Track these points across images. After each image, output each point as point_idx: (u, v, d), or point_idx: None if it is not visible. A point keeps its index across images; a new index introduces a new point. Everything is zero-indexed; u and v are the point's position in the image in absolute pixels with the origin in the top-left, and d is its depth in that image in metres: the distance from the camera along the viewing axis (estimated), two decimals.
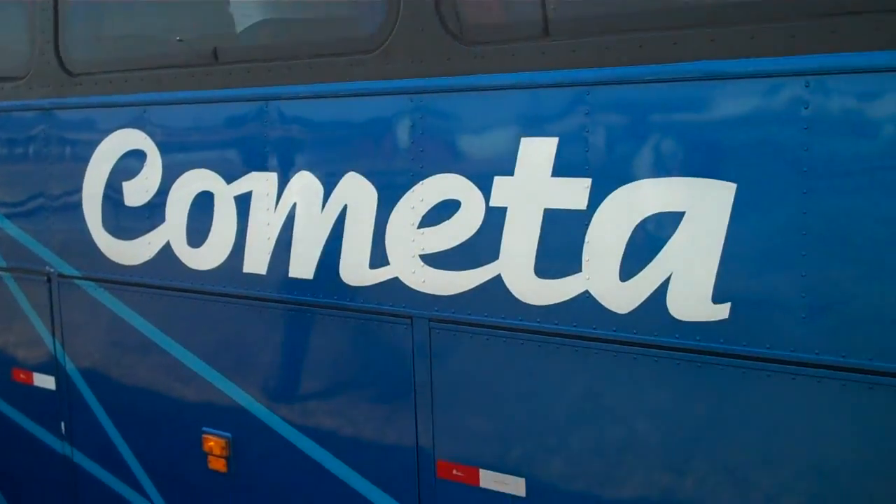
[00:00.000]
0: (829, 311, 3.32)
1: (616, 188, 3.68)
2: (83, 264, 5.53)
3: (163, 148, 5.06)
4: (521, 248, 3.91)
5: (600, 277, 3.74)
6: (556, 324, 3.87)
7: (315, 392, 4.72)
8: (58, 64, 5.46)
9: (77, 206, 5.46)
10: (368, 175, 4.33)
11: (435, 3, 4.02)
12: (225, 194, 4.80)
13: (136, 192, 5.19)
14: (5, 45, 6.05)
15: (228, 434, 5.04)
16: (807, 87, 3.25)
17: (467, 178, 4.04)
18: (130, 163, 5.20)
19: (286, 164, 4.58)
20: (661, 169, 3.57)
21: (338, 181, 4.42)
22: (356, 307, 4.45)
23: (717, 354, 3.52)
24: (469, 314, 4.11)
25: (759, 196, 3.38)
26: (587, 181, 3.72)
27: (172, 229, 5.05)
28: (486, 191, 3.98)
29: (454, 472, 4.25)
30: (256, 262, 4.74)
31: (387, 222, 4.27)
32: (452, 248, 4.11)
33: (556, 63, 3.77)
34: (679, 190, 3.52)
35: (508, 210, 3.93)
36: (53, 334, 5.79)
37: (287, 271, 4.63)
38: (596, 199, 3.72)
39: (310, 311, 4.60)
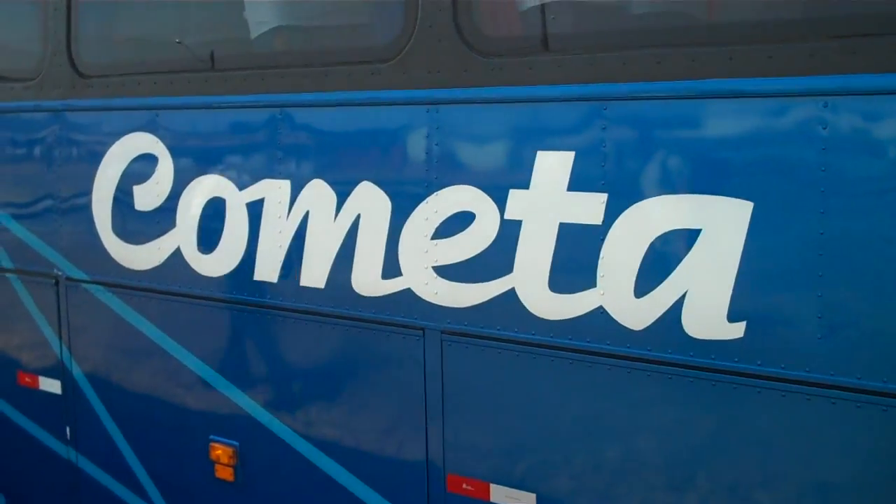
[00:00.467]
0: (845, 333, 3.38)
1: (632, 204, 3.74)
2: (92, 268, 5.61)
3: (174, 152, 5.14)
4: (535, 261, 3.97)
5: (615, 293, 3.80)
6: (570, 339, 3.94)
7: (324, 402, 4.78)
8: (70, 65, 5.53)
9: (86, 209, 5.53)
10: (382, 185, 4.40)
11: (453, 14, 4.09)
12: (237, 201, 4.88)
13: (147, 196, 5.26)
14: (17, 46, 6.13)
15: (236, 443, 5.11)
16: (825, 107, 3.31)
17: (482, 190, 4.11)
18: (141, 167, 5.27)
19: (299, 172, 4.66)
20: (678, 186, 3.64)
21: (351, 190, 4.49)
22: (368, 317, 4.52)
23: (732, 373, 3.59)
24: (482, 327, 4.17)
25: (776, 215, 3.44)
26: (603, 196, 3.79)
27: (183, 235, 5.13)
28: (501, 203, 4.05)
29: (464, 486, 4.31)
30: (267, 269, 4.81)
31: (400, 233, 4.34)
32: (466, 261, 4.17)
33: (574, 77, 3.84)
34: (695, 207, 3.59)
35: (523, 223, 3.99)
36: (60, 338, 5.87)
37: (298, 280, 4.71)
38: (612, 214, 3.78)
39: (320, 321, 4.67)
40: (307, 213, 4.63)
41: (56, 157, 5.71)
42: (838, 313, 3.38)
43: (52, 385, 5.99)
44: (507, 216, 4.04)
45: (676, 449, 3.78)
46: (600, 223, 3.81)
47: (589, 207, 3.83)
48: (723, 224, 3.53)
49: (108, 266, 5.50)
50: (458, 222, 4.18)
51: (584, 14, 4.06)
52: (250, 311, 4.92)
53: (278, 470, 4.98)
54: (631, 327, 3.79)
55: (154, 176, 5.22)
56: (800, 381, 3.47)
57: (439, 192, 4.22)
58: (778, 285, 3.48)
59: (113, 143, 5.41)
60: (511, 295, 4.07)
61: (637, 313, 3.76)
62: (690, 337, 3.65)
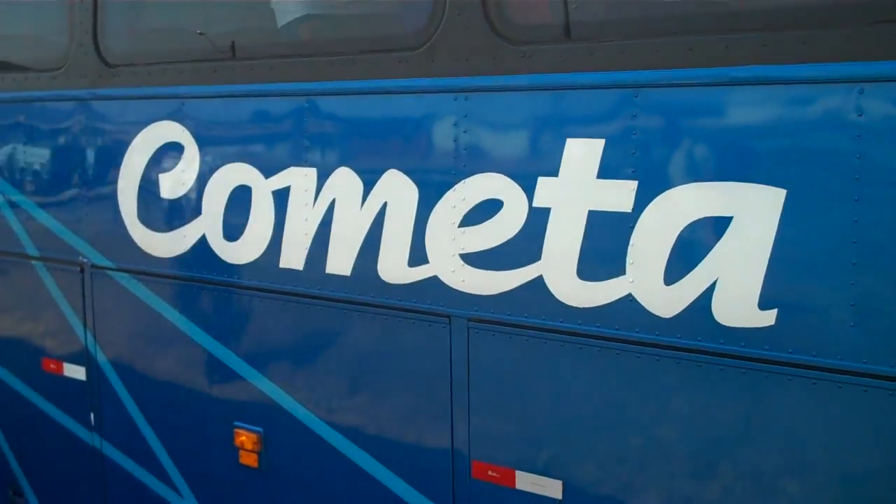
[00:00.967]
0: (878, 321, 3.31)
1: (663, 191, 3.68)
2: (117, 255, 5.56)
3: (201, 141, 5.09)
4: (563, 249, 3.91)
5: (644, 281, 3.74)
6: (598, 326, 3.88)
7: (349, 389, 4.73)
8: (96, 54, 5.49)
9: (112, 198, 5.49)
10: (410, 173, 4.34)
11: (482, 2, 4.02)
12: (263, 189, 4.82)
13: (173, 184, 5.22)
14: (44, 35, 6.08)
15: (260, 429, 5.06)
16: (861, 93, 3.24)
17: (510, 177, 4.05)
18: (167, 155, 5.23)
19: (326, 160, 4.60)
20: (710, 173, 3.58)
21: (378, 178, 4.44)
22: (394, 305, 4.47)
23: (763, 361, 3.53)
24: (509, 315, 4.12)
25: (810, 203, 3.38)
26: (633, 183, 3.73)
27: (209, 222, 5.08)
28: (530, 191, 3.99)
29: (489, 472, 4.26)
30: (293, 257, 4.76)
31: (427, 220, 4.28)
32: (493, 248, 4.12)
33: (605, 64, 3.78)
34: (727, 194, 3.53)
35: (552, 211, 3.93)
36: (85, 325, 5.83)
37: (324, 267, 4.65)
38: (642, 201, 3.72)
39: (346, 308, 4.62)
40: (333, 201, 4.58)
41: (82, 146, 5.66)
42: (871, 301, 3.32)
43: (76, 371, 5.95)
44: (535, 203, 3.98)
45: (705, 437, 3.72)
46: (630, 211, 3.74)
47: (619, 195, 3.76)
48: (755, 212, 3.47)
49: (133, 254, 5.45)
50: (485, 210, 4.12)
51: (616, 1, 3.98)
52: (275, 299, 4.86)
53: (302, 457, 4.93)
54: (660, 315, 3.73)
55: (180, 164, 5.17)
56: (831, 370, 3.40)
57: (467, 179, 4.15)
58: (810, 273, 3.41)
59: (139, 131, 5.36)
60: (539, 282, 4.01)
61: (667, 301, 3.70)
62: (721, 324, 3.59)
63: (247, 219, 4.91)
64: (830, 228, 3.36)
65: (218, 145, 5.06)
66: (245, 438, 5.12)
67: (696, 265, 3.62)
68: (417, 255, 4.34)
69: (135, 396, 5.66)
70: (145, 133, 5.34)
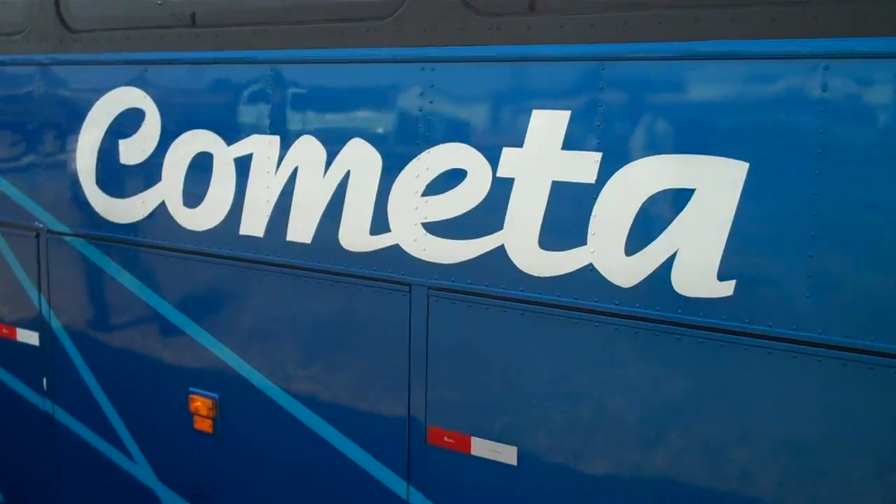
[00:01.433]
0: (835, 293, 3.31)
1: (627, 163, 3.65)
2: (74, 221, 5.41)
3: (163, 107, 4.96)
4: (526, 219, 3.87)
5: (605, 251, 3.71)
6: (558, 295, 3.84)
7: (307, 356, 4.65)
8: (58, 19, 5.32)
9: (70, 163, 5.34)
10: (374, 142, 4.27)
11: None
12: (224, 156, 4.72)
13: (133, 150, 5.08)
14: None
15: (216, 395, 4.96)
16: (826, 70, 3.23)
17: (475, 148, 4.00)
18: (128, 121, 5.10)
19: (290, 128, 4.51)
20: (673, 146, 3.56)
21: (342, 147, 4.35)
22: (354, 273, 4.39)
23: (720, 331, 3.50)
24: (469, 283, 4.06)
25: (771, 176, 3.36)
26: (598, 155, 3.70)
27: (168, 189, 4.96)
28: (494, 161, 3.94)
29: (445, 438, 4.20)
30: (253, 224, 4.66)
31: (390, 189, 4.22)
32: (456, 218, 4.06)
33: (573, 37, 3.73)
34: (690, 167, 3.51)
35: (515, 181, 3.89)
36: (40, 290, 5.67)
37: (285, 235, 4.55)
38: (605, 173, 3.69)
39: (306, 276, 4.53)
40: (296, 169, 4.49)
41: (41, 111, 5.48)
42: (828, 274, 3.31)
43: (29, 337, 5.79)
44: (499, 174, 3.93)
45: (660, 405, 3.71)
46: (593, 182, 3.71)
47: (582, 166, 3.73)
48: (717, 184, 3.45)
49: (90, 219, 5.32)
50: (449, 179, 4.07)
51: None
52: (234, 266, 4.75)
53: (258, 423, 4.84)
54: (620, 285, 3.71)
55: (141, 130, 5.04)
56: (787, 339, 3.38)
57: (431, 149, 4.10)
58: (769, 245, 3.41)
59: (100, 97, 5.22)
60: (500, 252, 3.96)
61: (627, 271, 3.68)
62: (679, 295, 3.58)
63: (207, 186, 4.80)
64: (791, 202, 3.35)
65: (180, 112, 4.94)
66: (200, 404, 5.01)
67: (656, 236, 3.59)
68: (379, 224, 4.27)
69: (89, 362, 5.51)
70: (106, 99, 5.20)
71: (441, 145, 4.08)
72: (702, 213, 3.49)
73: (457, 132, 4.05)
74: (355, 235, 4.36)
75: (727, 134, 3.44)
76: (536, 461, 4.01)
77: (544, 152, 3.81)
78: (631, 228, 3.65)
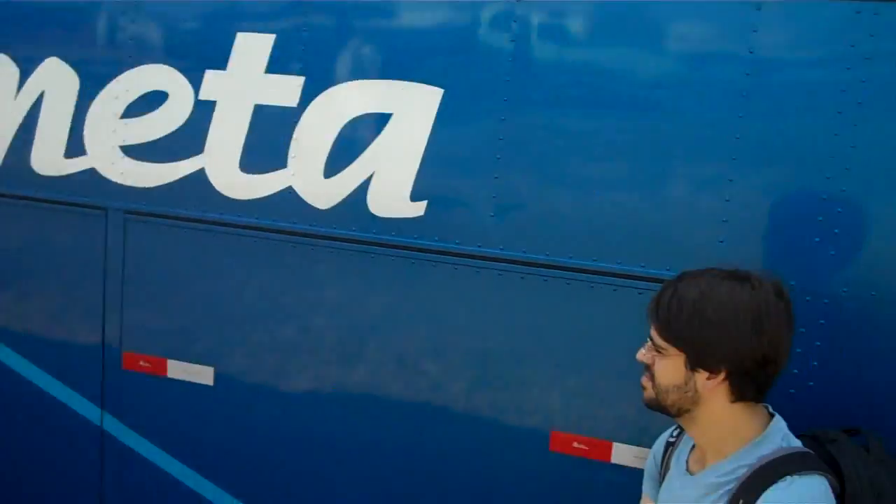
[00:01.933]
0: (515, 212, 3.47)
1: (328, 87, 3.67)
2: None
3: None
4: (227, 142, 3.82)
5: (304, 174, 3.73)
6: (258, 218, 3.81)
7: None
8: None
9: None
10: (71, 61, 4.05)
11: None
12: None
13: None
14: None
15: None
16: (517, 1, 3.39)
17: (177, 69, 3.88)
18: None
19: None
20: (374, 71, 3.62)
21: (36, 67, 4.10)
22: (47, 198, 4.15)
23: (411, 248, 3.59)
24: (168, 207, 3.96)
25: (463, 102, 3.48)
26: (300, 79, 3.69)
27: None
28: (196, 83, 3.85)
29: (141, 363, 4.07)
30: None
31: (87, 111, 4.02)
32: (156, 140, 3.95)
33: None
34: (389, 92, 3.58)
35: (218, 104, 3.82)
36: None
37: None
38: (307, 97, 3.69)
39: None
40: None
41: None
42: (510, 194, 3.46)
43: None
44: (201, 96, 3.84)
45: (357, 323, 3.74)
46: (295, 105, 3.69)
47: (285, 90, 3.72)
48: (413, 109, 3.53)
49: None
50: (149, 101, 3.93)
51: None
52: None
53: None
54: (319, 206, 3.72)
55: None
56: (473, 255, 3.51)
57: (131, 70, 3.95)
58: (459, 168, 3.53)
59: None
60: (200, 175, 3.88)
61: (325, 193, 3.70)
62: (375, 215, 3.63)
63: None
64: (480, 127, 3.47)
65: None
66: None
67: (354, 159, 3.63)
68: (75, 147, 4.07)
69: None
70: None
71: (142, 66, 3.95)
72: (398, 137, 3.57)
73: (158, 53, 3.93)
74: (49, 159, 4.14)
75: (422, 60, 3.54)
76: (233, 381, 3.95)
77: (248, 75, 3.77)
78: (330, 152, 3.68)
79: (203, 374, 3.97)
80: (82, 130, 4.05)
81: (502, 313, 3.52)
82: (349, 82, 3.65)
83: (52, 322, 4.27)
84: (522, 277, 3.47)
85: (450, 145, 3.53)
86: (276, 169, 3.76)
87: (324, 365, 3.80)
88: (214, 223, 3.88)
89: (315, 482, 3.89)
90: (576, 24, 3.38)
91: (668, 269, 3.10)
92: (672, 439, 2.74)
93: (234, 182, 3.83)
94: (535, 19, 3.40)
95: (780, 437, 2.43)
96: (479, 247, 3.52)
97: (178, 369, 4.01)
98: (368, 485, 3.79)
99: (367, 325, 3.72)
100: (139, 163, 3.97)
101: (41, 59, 4.11)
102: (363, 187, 3.64)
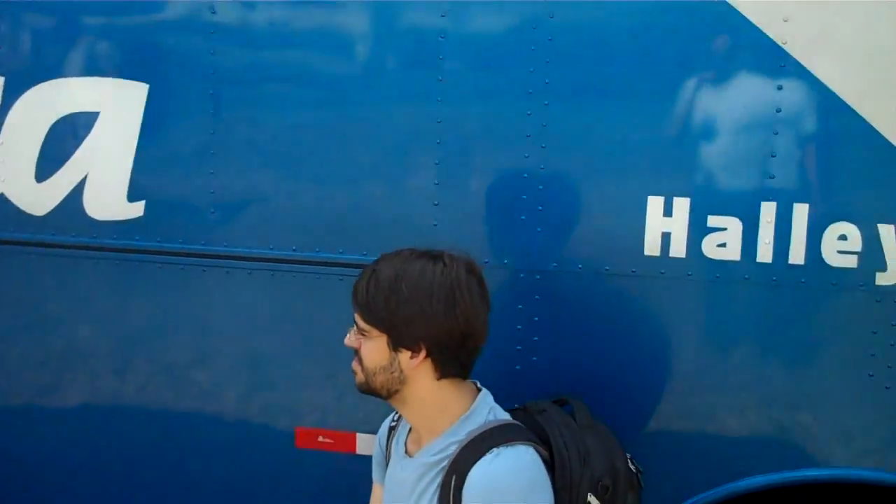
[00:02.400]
0: (234, 207, 3.35)
1: (32, 87, 3.43)
2: None
3: None
4: None
5: (15, 179, 3.49)
6: None
7: None
8: None
9: None
10: None
11: None
12: None
13: None
14: None
15: None
16: None
17: None
18: None
19: None
20: (78, 68, 3.40)
21: None
22: None
23: (134, 251, 3.42)
24: None
25: (171, 97, 3.32)
26: (0, 80, 3.44)
27: None
28: None
29: None
30: None
31: None
32: None
33: None
34: (94, 90, 3.38)
35: None
36: None
37: None
38: (10, 98, 3.44)
39: None
40: None
41: None
42: (228, 189, 3.33)
43: None
44: None
45: (83, 330, 3.56)
46: None
47: None
48: (120, 106, 3.35)
49: None
50: None
51: None
52: None
53: None
54: (34, 213, 3.49)
55: None
56: (197, 254, 3.37)
57: None
58: (174, 164, 3.38)
59: None
60: None
61: (39, 198, 3.47)
62: (92, 219, 3.44)
63: None
64: (191, 122, 3.33)
65: None
66: None
67: (65, 161, 3.43)
68: None
69: None
70: None
71: None
72: (108, 136, 3.39)
73: None
74: None
75: (129, 56, 3.35)
76: None
77: None
78: (39, 154, 3.46)
79: None
80: None
81: (236, 311, 3.40)
82: (53, 80, 3.42)
83: None
84: (250, 273, 3.36)
85: (162, 142, 3.38)
86: None
87: (64, 374, 3.61)
88: None
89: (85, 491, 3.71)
90: (270, 20, 3.25)
91: None
92: (393, 423, 2.72)
93: None
94: (233, 9, 3.26)
95: (486, 410, 2.44)
96: (204, 245, 3.38)
97: None
98: (130, 489, 3.64)
99: (92, 330, 3.54)
100: None
101: None
102: (78, 190, 3.45)
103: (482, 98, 3.08)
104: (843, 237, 2.92)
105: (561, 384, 3.04)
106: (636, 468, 2.60)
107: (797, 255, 2.96)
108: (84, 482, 3.68)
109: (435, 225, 3.15)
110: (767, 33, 2.88)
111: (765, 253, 2.97)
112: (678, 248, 3.01)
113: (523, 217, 3.09)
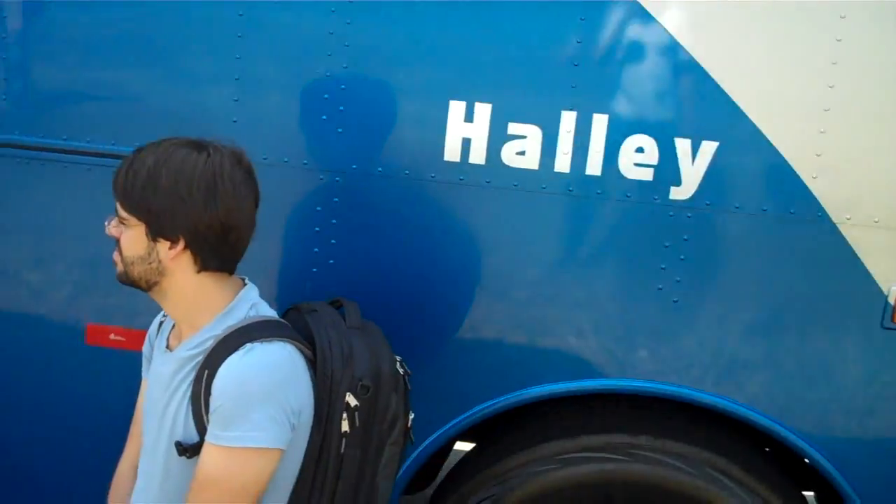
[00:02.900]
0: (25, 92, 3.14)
1: None
2: None
3: None
4: None
5: None
6: None
7: None
8: None
9: None
10: None
11: None
12: None
13: None
14: None
15: None
16: None
17: None
18: None
19: None
20: None
21: None
22: None
23: None
24: None
25: None
26: None
27: None
28: None
29: None
30: None
31: None
32: None
33: None
34: None
35: None
36: None
37: None
38: None
39: None
40: None
41: None
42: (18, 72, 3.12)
43: None
44: None
45: None
46: None
47: None
48: None
49: None
50: None
51: None
52: None
53: None
54: None
55: None
56: None
57: None
58: None
59: None
60: None
61: None
62: None
63: None
64: None
65: None
66: None
67: None
68: None
69: None
70: None
71: None
72: None
73: None
74: None
75: None
76: None
77: None
78: None
79: None
80: None
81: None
82: None
83: None
84: (43, 164, 3.16)
85: None
86: None
87: None
88: None
89: None
90: None
91: None
92: (162, 319, 2.60)
93: None
94: None
95: (248, 306, 2.34)
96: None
97: None
98: None
99: None
100: None
101: None
102: None
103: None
104: (640, 150, 2.87)
105: (356, 288, 2.95)
106: (405, 370, 2.53)
107: (594, 166, 2.90)
108: None
109: (235, 122, 3.01)
110: None
111: (563, 163, 2.90)
112: (478, 155, 2.93)
113: (324, 117, 2.97)
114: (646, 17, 2.84)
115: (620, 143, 2.89)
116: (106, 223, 2.33)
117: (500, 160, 2.93)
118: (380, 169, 2.99)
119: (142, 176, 2.22)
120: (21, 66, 3.16)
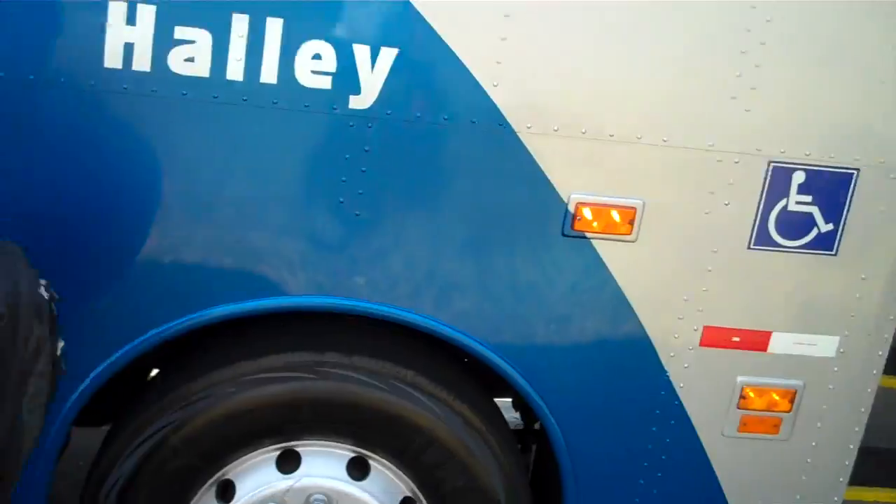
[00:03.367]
0: None
1: None
2: None
3: None
4: None
5: None
6: None
7: None
8: None
9: None
10: None
11: None
12: None
13: None
14: None
15: None
16: None
17: None
18: None
19: None
20: None
21: None
22: None
23: None
24: None
25: None
26: None
27: None
28: None
29: None
30: None
31: None
32: None
33: None
34: None
35: None
36: None
37: None
38: None
39: None
40: None
41: None
42: None
43: None
44: None
45: None
46: None
47: None
48: None
49: None
50: None
51: None
52: None
53: None
54: None
55: None
56: None
57: None
58: None
59: None
60: None
61: None
62: None
63: None
64: None
65: None
66: None
67: None
68: None
69: None
70: None
71: None
72: None
73: None
74: None
75: None
76: None
77: None
78: None
79: None
80: None
81: None
82: None
83: None
84: None
85: None
86: None
87: None
88: None
89: None
90: None
91: None
92: None
93: None
94: None
95: None
96: None
97: None
98: None
99: None
100: None
101: None
102: None
103: None
104: (317, 56, 2.70)
105: (9, 209, 2.69)
106: (51, 295, 2.29)
107: (269, 73, 2.70)
108: None
109: None
110: None
111: (235, 70, 2.69)
112: (142, 62, 2.66)
113: None
114: None
115: (296, 50, 2.70)
116: None
117: (167, 67, 2.68)
118: (31, 77, 2.67)
119: None
120: None
